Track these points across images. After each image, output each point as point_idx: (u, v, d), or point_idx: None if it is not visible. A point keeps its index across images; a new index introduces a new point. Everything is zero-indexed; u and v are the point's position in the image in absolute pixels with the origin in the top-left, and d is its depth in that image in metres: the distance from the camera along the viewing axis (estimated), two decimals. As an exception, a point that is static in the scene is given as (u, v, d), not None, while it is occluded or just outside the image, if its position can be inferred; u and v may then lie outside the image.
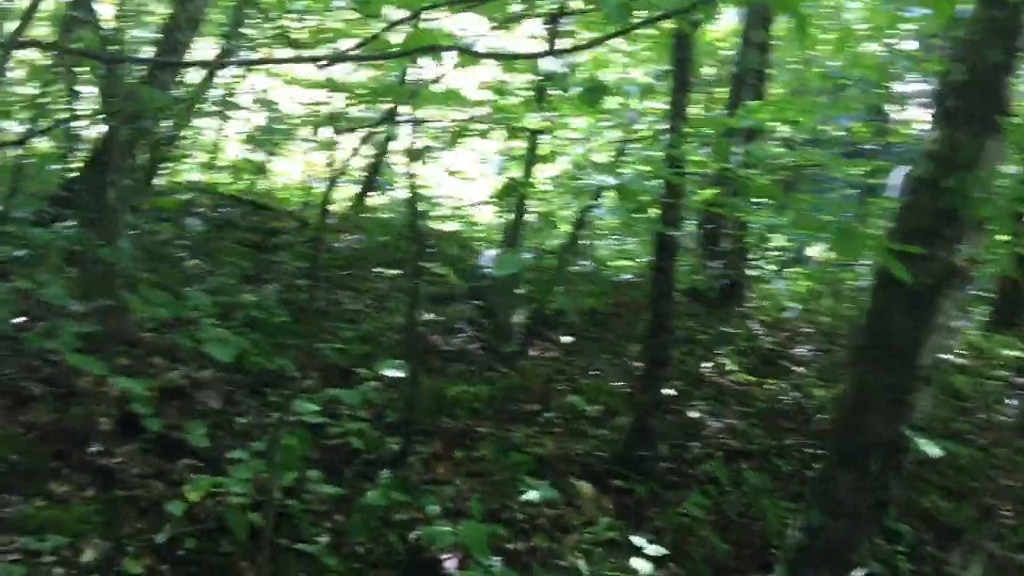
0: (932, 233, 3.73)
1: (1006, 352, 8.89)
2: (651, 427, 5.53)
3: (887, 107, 11.10)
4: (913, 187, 3.92)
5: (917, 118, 10.63)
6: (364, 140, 8.99)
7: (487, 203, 7.84)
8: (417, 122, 5.69)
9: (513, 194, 6.45)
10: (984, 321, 10.13)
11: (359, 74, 6.99)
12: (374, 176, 11.42)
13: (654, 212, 5.86)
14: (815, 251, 11.28)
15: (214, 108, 8.71)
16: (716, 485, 5.75)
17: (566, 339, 7.98)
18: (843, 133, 10.13)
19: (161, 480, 3.98)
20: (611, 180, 4.80)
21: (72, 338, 4.21)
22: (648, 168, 5.94)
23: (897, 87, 10.63)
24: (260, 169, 10.96)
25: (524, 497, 4.46)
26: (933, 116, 4.07)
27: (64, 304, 4.17)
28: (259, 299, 6.10)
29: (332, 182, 3.70)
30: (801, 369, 8.64)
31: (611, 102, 5.98)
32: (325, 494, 4.10)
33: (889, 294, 3.80)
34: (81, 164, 7.45)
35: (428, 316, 7.33)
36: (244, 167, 11.33)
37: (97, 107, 6.39)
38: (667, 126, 5.84)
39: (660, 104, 6.98)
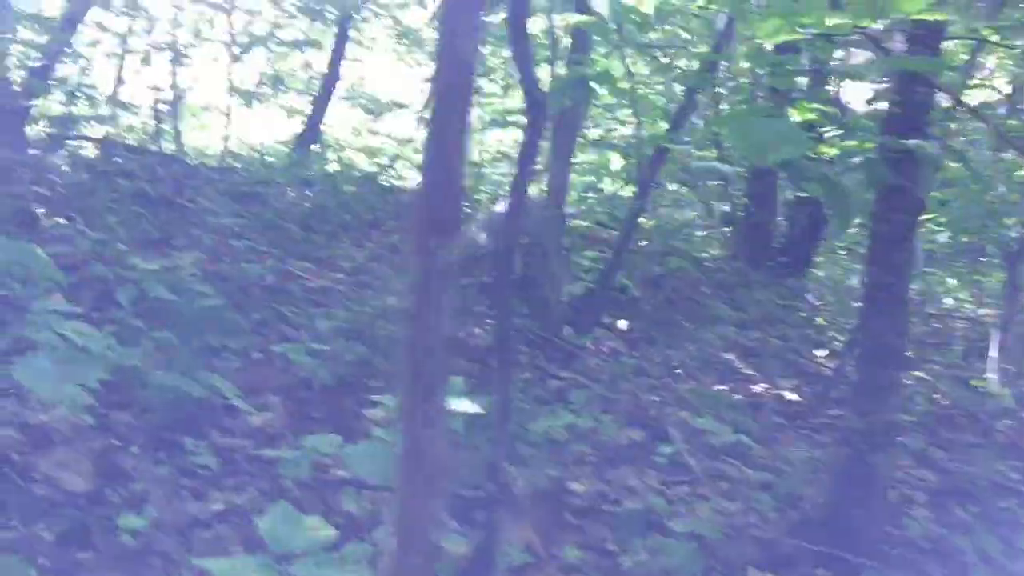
0: None
1: None
2: (878, 470, 3.15)
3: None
4: None
5: None
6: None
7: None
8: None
9: (577, 93, 4.05)
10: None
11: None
12: (318, 118, 8.82)
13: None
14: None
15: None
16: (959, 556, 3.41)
17: (621, 323, 5.60)
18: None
19: None
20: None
21: None
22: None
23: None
24: (171, 104, 8.23)
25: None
26: None
27: None
28: (166, 267, 3.53)
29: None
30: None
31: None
32: None
33: None
34: None
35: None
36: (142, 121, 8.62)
37: None
38: None
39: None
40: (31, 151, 5.90)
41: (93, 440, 2.46)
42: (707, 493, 3.38)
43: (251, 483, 2.54)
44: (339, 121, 11.64)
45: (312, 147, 9.20)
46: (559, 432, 3.25)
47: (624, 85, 4.29)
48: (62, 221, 4.52)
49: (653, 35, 4.41)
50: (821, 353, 5.76)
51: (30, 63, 7.26)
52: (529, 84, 1.86)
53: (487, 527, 2.34)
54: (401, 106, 19.22)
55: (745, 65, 5.21)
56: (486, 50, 6.60)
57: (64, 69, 7.84)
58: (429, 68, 14.11)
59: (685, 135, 5.51)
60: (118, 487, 2.32)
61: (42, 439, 2.38)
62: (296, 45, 7.55)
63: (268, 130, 11.45)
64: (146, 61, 7.03)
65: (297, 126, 12.72)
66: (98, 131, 8.44)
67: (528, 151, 1.93)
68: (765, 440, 4.11)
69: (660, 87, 6.06)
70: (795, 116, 4.09)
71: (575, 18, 3.92)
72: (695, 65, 4.31)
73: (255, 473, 2.60)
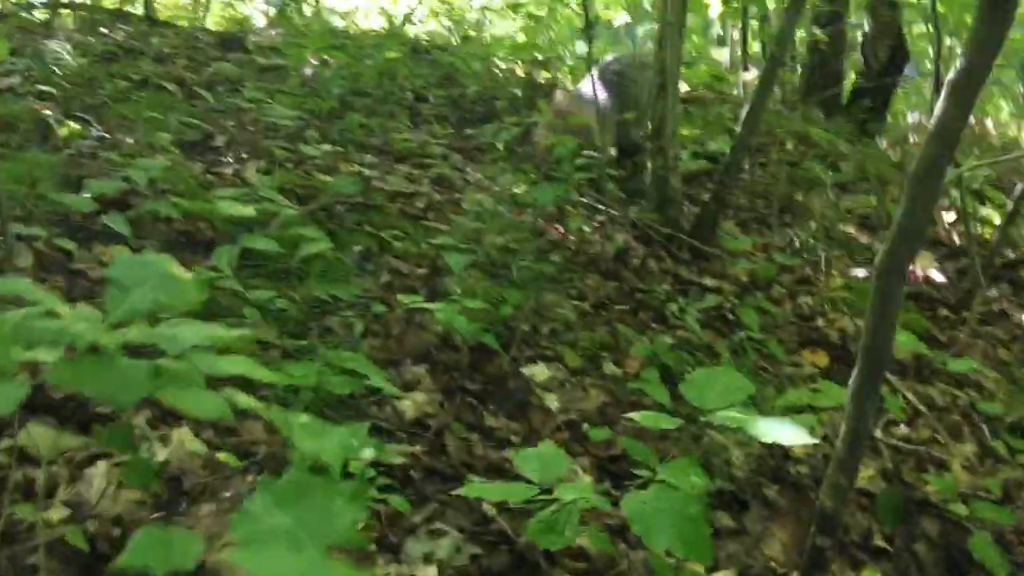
0: None
1: None
2: None
3: None
4: None
5: None
6: None
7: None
8: None
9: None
10: None
11: None
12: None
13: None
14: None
15: None
16: None
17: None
18: None
19: None
20: None
21: None
22: None
23: None
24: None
25: None
26: None
27: None
28: (245, 196, 2.77)
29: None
30: None
31: None
32: None
33: None
34: None
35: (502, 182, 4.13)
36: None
37: None
38: None
39: None
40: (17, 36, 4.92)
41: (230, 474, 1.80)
42: (950, 443, 2.77)
43: (445, 520, 1.90)
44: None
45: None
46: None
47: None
48: (76, 127, 3.68)
49: None
50: (949, 218, 5.09)
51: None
52: None
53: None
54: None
55: None
56: None
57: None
58: None
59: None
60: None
61: (176, 486, 1.72)
62: None
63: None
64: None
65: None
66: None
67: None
68: (947, 348, 3.50)
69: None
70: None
71: None
72: None
73: (449, 504, 1.95)
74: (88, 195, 2.52)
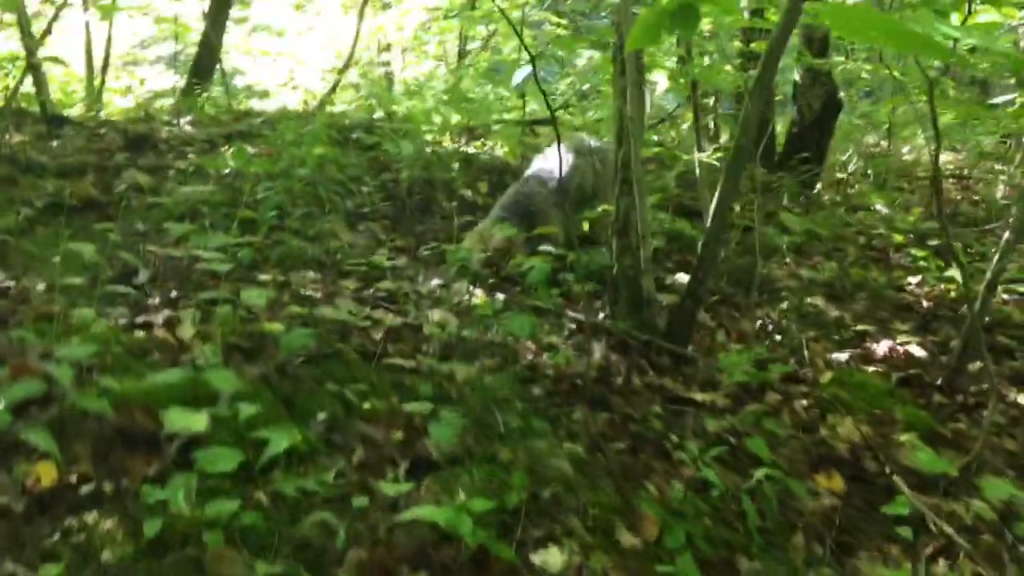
0: None
1: None
2: None
3: None
4: None
5: None
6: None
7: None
8: None
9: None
10: None
11: None
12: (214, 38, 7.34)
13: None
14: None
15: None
16: None
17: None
18: None
19: None
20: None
21: None
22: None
23: None
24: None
25: None
26: None
27: None
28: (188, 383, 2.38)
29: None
30: None
31: None
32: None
33: None
34: None
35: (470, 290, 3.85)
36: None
37: None
38: None
39: None
40: None
41: None
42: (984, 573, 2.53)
43: None
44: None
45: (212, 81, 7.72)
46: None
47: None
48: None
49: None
50: (914, 280, 4.93)
51: None
52: None
53: None
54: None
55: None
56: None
57: None
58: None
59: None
60: None
61: None
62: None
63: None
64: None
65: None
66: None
67: None
68: (957, 444, 3.27)
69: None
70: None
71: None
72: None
73: None
74: (1, 406, 2.10)
